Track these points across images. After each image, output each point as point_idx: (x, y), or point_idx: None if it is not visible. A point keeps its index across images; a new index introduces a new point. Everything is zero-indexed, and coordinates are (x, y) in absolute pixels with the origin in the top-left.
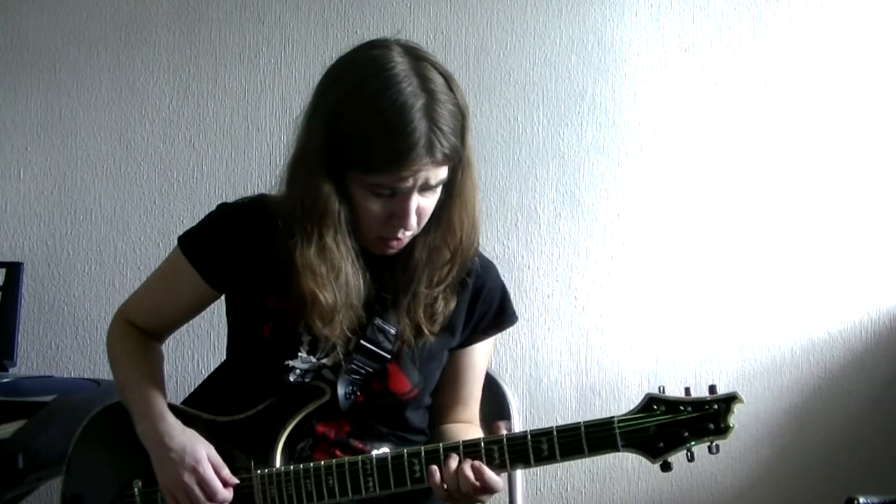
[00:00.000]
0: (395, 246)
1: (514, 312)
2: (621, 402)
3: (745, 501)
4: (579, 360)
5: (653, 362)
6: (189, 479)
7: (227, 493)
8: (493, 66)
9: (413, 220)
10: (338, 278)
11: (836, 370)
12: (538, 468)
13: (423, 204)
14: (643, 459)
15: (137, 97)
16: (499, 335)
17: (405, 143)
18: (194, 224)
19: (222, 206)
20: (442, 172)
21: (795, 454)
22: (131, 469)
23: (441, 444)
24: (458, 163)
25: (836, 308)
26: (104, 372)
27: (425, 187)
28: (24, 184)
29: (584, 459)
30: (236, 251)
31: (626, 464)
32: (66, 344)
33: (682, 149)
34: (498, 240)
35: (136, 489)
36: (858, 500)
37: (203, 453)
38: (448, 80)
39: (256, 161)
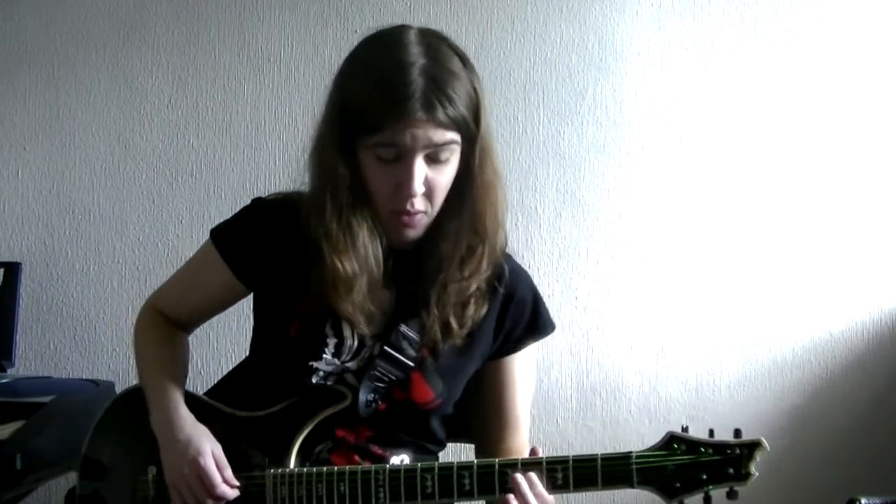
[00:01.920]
0: (408, 223)
1: (550, 321)
2: (622, 402)
3: (745, 502)
4: (580, 360)
5: (654, 363)
6: (189, 471)
7: (227, 490)
8: (494, 65)
9: (416, 185)
10: (355, 245)
11: (838, 371)
12: None
13: (432, 176)
14: None
15: (136, 97)
16: (537, 351)
17: (401, 94)
18: (197, 222)
19: (257, 201)
20: (446, 138)
21: (797, 455)
22: (148, 456)
23: (455, 463)
24: (473, 142)
25: (838, 308)
26: (102, 372)
27: (432, 157)
28: (22, 183)
29: None
30: (268, 248)
31: None
32: (65, 344)
33: (683, 148)
34: None
35: (149, 475)
36: (860, 501)
37: (208, 448)
38: (464, 60)
39: (256, 161)
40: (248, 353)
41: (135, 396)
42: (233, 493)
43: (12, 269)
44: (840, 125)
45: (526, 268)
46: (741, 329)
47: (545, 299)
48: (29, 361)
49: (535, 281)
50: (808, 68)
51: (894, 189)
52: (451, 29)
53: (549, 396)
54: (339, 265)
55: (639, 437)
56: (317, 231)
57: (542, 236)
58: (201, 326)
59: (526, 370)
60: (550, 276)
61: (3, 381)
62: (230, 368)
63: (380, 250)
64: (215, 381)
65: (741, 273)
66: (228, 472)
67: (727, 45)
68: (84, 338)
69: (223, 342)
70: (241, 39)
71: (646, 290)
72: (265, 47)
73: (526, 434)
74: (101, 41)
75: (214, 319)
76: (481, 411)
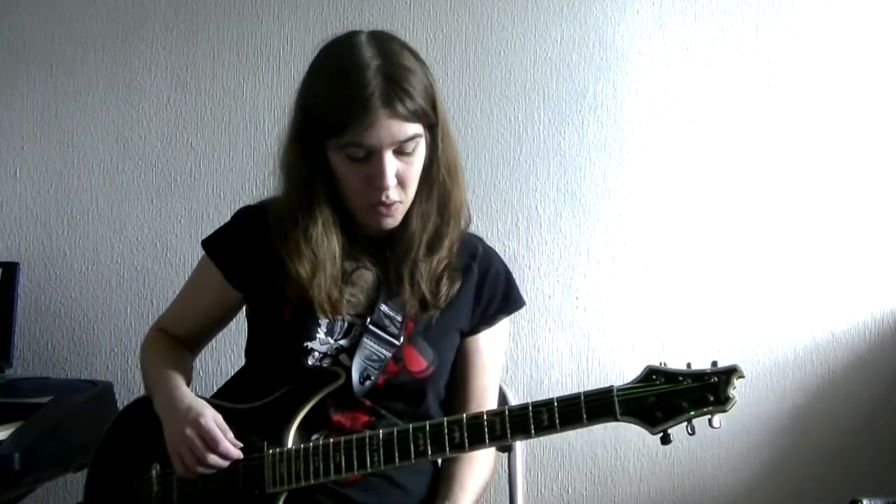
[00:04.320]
0: (386, 213)
1: (521, 297)
2: None
3: (747, 501)
4: (580, 361)
5: (655, 363)
6: (191, 431)
7: (230, 448)
8: (494, 64)
9: (388, 179)
10: (308, 247)
11: (840, 371)
12: (539, 469)
13: (403, 168)
14: (644, 461)
15: (135, 96)
16: (507, 330)
17: (360, 94)
18: (196, 222)
19: (242, 209)
20: (411, 131)
21: (799, 456)
22: (154, 455)
23: (445, 419)
24: (434, 130)
25: (840, 308)
26: (101, 373)
27: (399, 150)
28: (20, 183)
29: (584, 460)
30: (253, 247)
31: (628, 466)
32: (63, 345)
33: (685, 148)
34: (498, 240)
35: (153, 472)
36: (862, 502)
37: (209, 412)
38: (415, 55)
39: (255, 160)
40: (244, 362)
41: (142, 404)
42: (236, 453)
43: (10, 269)
44: (841, 125)
45: (526, 268)
46: (742, 329)
47: (546, 300)
48: (27, 362)
49: (536, 281)
50: (810, 68)
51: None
52: (452, 28)
53: (550, 397)
54: (294, 268)
55: (640, 438)
56: (275, 236)
57: (542, 236)
58: None
59: (496, 347)
60: (551, 277)
61: (2, 381)
62: (229, 369)
63: (335, 247)
64: (215, 382)
65: (742, 273)
66: (230, 435)
67: (728, 44)
68: (82, 338)
69: (223, 343)
70: (241, 38)
71: (647, 291)
72: (264, 46)
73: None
74: (99, 40)
75: None
76: (449, 386)
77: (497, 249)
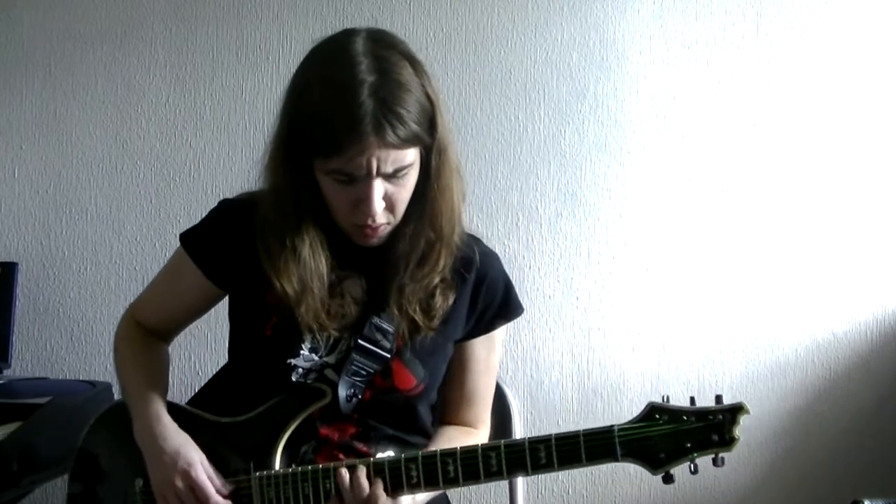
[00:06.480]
0: (372, 234)
1: (520, 304)
2: (623, 403)
3: (749, 503)
4: (581, 361)
5: (655, 364)
6: (180, 482)
7: (220, 500)
8: (494, 63)
9: (376, 206)
10: (297, 266)
11: (841, 371)
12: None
13: (392, 191)
14: None
15: (134, 95)
16: (504, 332)
17: (349, 122)
18: (195, 222)
19: (223, 203)
20: (402, 157)
21: (800, 456)
22: (134, 468)
23: (438, 451)
24: (430, 149)
25: (842, 309)
26: (99, 373)
27: (389, 174)
28: (19, 183)
29: None
30: (236, 246)
31: (629, 466)
32: (61, 345)
33: (685, 147)
34: (498, 240)
35: (136, 488)
36: (864, 503)
37: (196, 458)
38: (414, 65)
39: (254, 160)
40: (227, 360)
41: (119, 410)
42: (224, 503)
43: (9, 269)
44: (843, 124)
45: (526, 268)
46: (744, 329)
47: (546, 300)
48: (25, 362)
49: (536, 281)
50: (811, 67)
51: None
52: (452, 27)
53: (551, 397)
54: (280, 287)
55: None
56: (260, 250)
57: (542, 236)
58: (200, 329)
59: (492, 350)
60: (551, 277)
61: (0, 382)
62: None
63: (323, 267)
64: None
65: (743, 273)
66: (217, 482)
67: (729, 43)
68: (81, 338)
69: (222, 343)
70: (240, 37)
71: (647, 291)
72: (263, 45)
73: (482, 409)
74: (98, 39)
75: (212, 320)
76: (442, 388)
77: (497, 249)
